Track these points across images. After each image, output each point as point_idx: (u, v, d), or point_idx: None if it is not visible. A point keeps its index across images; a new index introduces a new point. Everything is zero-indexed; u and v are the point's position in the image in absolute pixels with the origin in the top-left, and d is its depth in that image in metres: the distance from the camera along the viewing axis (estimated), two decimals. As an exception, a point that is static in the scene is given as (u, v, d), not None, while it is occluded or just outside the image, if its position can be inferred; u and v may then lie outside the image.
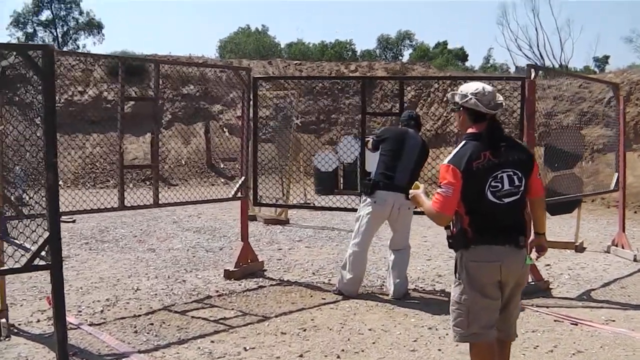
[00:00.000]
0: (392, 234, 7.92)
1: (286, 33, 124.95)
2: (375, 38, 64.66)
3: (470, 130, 4.33)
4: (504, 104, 4.35)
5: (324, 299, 7.74)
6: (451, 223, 4.36)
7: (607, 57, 48.06)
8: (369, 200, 7.67)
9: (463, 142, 4.30)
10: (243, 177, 8.88)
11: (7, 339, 6.12)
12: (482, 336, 4.29)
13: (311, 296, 7.88)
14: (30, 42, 35.05)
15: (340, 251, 10.74)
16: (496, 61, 52.06)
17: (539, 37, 72.90)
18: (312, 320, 6.85)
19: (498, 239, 4.21)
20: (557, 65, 43.07)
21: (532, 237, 4.54)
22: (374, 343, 6.14)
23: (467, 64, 46.39)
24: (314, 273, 9.19)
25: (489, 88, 4.28)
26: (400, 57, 46.77)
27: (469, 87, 4.32)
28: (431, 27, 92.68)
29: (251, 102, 8.95)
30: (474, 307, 4.25)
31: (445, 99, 24.47)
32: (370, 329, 6.55)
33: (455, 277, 4.38)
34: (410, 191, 4.62)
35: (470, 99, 4.27)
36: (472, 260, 4.25)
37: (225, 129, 22.77)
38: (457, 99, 4.39)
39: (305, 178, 17.30)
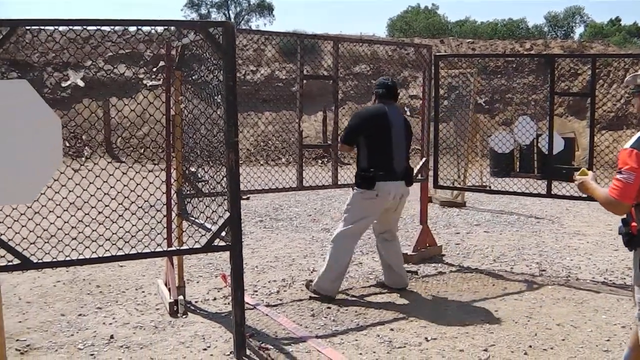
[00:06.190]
0: (386, 223, 7.22)
1: (455, 11, 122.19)
2: (542, 16, 62.18)
3: None
4: None
5: (506, 288, 7.30)
6: (632, 216, 3.85)
7: None
8: (368, 192, 6.85)
9: None
10: (424, 159, 8.57)
11: (184, 316, 6.18)
12: None
13: (493, 285, 7.46)
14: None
15: (520, 237, 10.22)
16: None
17: None
18: (495, 311, 6.44)
19: None
20: None
21: None
22: (563, 340, 5.67)
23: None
24: (494, 260, 8.73)
25: None
26: (572, 35, 44.68)
27: None
28: (601, 3, 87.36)
29: (432, 82, 8.59)
30: None
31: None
32: (558, 324, 6.07)
33: (637, 280, 3.87)
34: (577, 177, 4.12)
35: None
36: None
37: (406, 108, 22.51)
38: (638, 81, 3.88)
39: (481, 159, 16.75)
